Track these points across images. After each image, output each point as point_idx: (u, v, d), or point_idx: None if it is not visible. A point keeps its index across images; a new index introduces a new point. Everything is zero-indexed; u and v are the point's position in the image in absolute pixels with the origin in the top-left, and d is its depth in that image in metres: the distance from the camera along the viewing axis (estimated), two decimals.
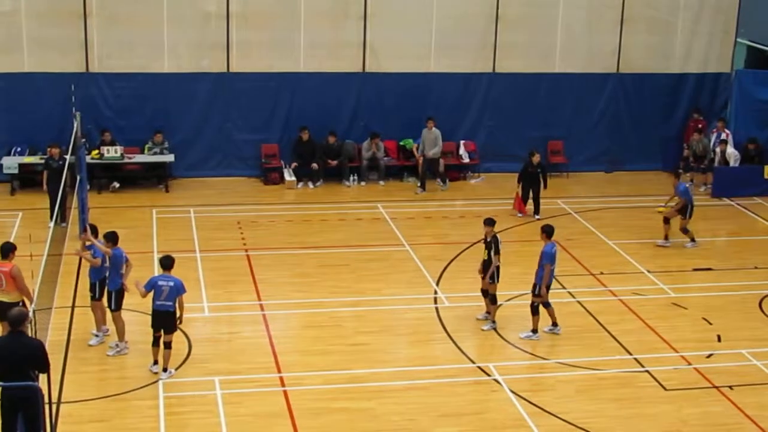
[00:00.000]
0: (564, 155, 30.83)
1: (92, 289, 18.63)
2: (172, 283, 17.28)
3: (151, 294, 17.38)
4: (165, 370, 17.51)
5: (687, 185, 25.06)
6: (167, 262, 17.55)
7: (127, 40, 28.54)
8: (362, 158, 29.31)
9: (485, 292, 19.92)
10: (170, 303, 17.26)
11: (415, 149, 29.16)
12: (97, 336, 18.64)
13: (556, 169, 30.21)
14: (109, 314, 18.41)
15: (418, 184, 28.75)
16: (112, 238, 18.21)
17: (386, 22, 29.43)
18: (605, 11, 30.60)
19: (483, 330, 19.61)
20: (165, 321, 17.37)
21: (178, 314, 17.40)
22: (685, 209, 24.32)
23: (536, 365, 18.53)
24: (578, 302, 21.09)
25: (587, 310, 20.71)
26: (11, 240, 23.33)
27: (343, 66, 29.52)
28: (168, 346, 17.44)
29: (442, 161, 29.01)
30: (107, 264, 18.25)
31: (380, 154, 29.29)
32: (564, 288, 21.62)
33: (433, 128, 28.55)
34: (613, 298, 21.44)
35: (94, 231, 18.72)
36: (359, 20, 29.29)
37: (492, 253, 19.47)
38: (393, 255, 23.73)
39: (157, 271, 20.11)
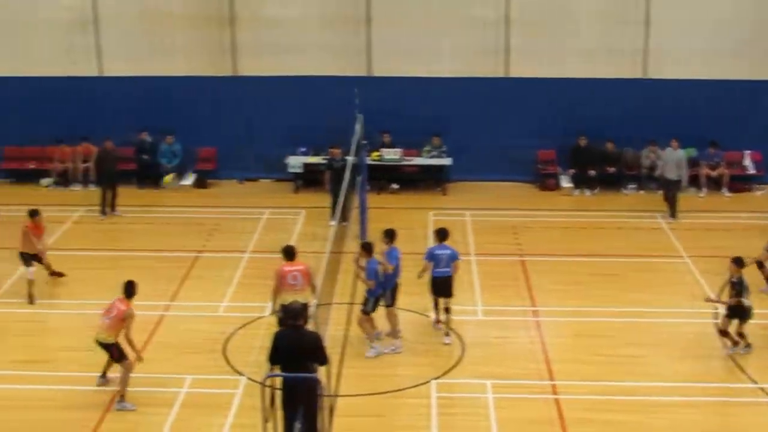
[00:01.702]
0: None
1: (365, 303, 18.61)
2: (448, 251, 19.06)
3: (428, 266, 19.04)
4: (447, 334, 19.05)
5: None
6: (443, 233, 19.30)
7: (408, 44, 29.09)
8: (641, 166, 28.73)
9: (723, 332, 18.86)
10: (448, 269, 18.97)
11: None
12: (373, 348, 18.56)
13: None
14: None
15: (667, 210, 26.58)
16: (368, 249, 18.51)
17: (669, 27, 28.75)
18: None
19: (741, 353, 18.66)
20: (444, 286, 19.03)
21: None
22: None
23: None
24: None
25: None
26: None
27: (620, 72, 29.04)
28: (448, 311, 19.00)
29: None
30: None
31: (661, 162, 28.59)
32: None
33: (678, 149, 26.77)
34: None
35: (368, 249, 18.55)
36: (639, 25, 28.75)
37: (733, 296, 18.51)
38: (670, 266, 23.17)
39: None
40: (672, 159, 26.50)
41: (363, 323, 18.56)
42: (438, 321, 19.66)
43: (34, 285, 20.89)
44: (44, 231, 21.70)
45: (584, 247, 24.28)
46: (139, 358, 16.86)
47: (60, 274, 21.80)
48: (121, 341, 16.65)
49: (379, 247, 18.63)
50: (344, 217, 24.34)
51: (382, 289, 18.50)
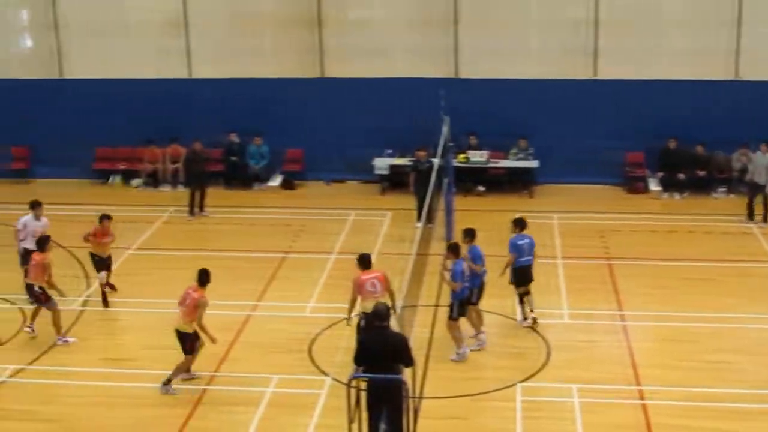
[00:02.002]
0: None
1: (451, 308, 18.35)
2: (528, 240, 19.71)
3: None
4: (525, 318, 19.85)
5: None
6: (522, 223, 19.93)
7: (494, 46, 29.07)
8: (732, 169, 28.30)
9: None
10: (531, 257, 19.65)
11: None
12: (458, 353, 18.36)
13: None
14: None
15: (746, 217, 26.11)
16: (455, 250, 18.40)
17: (759, 27, 28.35)
18: None
19: None
20: (529, 274, 19.69)
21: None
22: None
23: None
24: None
25: None
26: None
27: (711, 73, 28.64)
28: (528, 293, 19.81)
29: None
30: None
31: (751, 166, 28.11)
32: None
33: (767, 154, 26.12)
34: None
35: (456, 250, 18.54)
36: (731, 26, 28.34)
37: None
38: (760, 271, 22.79)
39: None
40: (762, 163, 25.97)
41: (452, 329, 18.35)
42: (525, 317, 19.84)
43: (106, 288, 21.11)
44: (110, 236, 21.27)
45: (672, 251, 23.98)
46: (213, 340, 17.17)
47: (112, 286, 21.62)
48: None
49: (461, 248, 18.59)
50: (430, 219, 24.35)
51: (469, 290, 18.41)
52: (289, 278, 22.38)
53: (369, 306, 16.69)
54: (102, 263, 21.09)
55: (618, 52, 28.86)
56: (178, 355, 17.39)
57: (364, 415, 14.15)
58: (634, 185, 28.84)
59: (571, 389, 17.20)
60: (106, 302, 20.98)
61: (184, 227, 26.24)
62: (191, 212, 26.63)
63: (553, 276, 22.33)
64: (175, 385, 17.17)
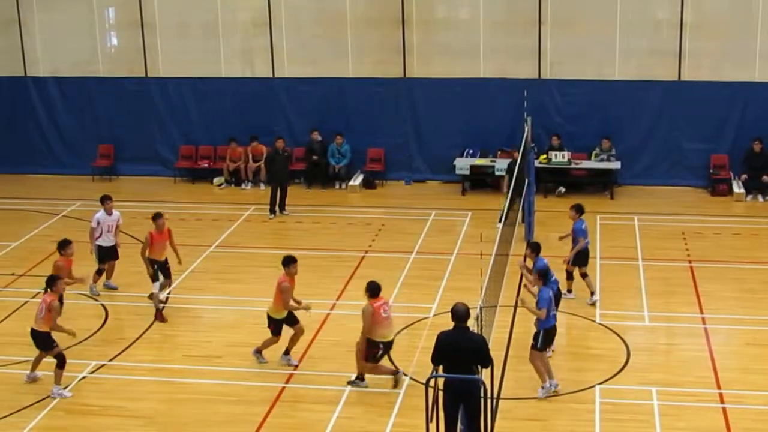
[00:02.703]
0: None
1: (536, 337, 16.97)
2: (586, 224, 20.62)
3: None
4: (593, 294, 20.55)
5: None
6: (582, 208, 20.65)
7: (579, 47, 28.97)
8: None
9: None
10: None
11: None
12: (543, 388, 17.05)
13: None
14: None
15: None
16: (536, 248, 18.51)
17: None
18: None
19: None
20: (588, 256, 20.60)
21: None
22: None
23: None
24: None
25: None
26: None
27: None
28: (586, 275, 20.61)
29: None
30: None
31: None
32: None
33: None
34: None
35: (537, 249, 18.51)
36: None
37: None
38: None
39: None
40: None
41: (535, 360, 17.01)
42: (593, 293, 20.62)
43: (157, 298, 20.47)
44: (168, 238, 20.56)
45: (756, 254, 23.65)
46: (307, 308, 18.01)
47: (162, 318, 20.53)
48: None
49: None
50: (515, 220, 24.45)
51: (555, 318, 17.12)
52: (369, 277, 22.11)
53: (386, 332, 16.81)
54: (161, 269, 20.48)
55: (703, 53, 28.56)
56: (264, 353, 18.03)
57: (442, 414, 14.19)
58: (718, 187, 28.50)
59: (650, 392, 17.06)
60: (160, 317, 20.27)
61: (264, 226, 26.48)
62: (272, 211, 26.85)
63: (634, 278, 22.17)
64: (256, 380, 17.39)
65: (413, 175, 30.19)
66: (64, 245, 19.51)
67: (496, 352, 15.84)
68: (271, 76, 30.42)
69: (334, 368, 17.98)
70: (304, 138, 29.91)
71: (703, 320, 20.05)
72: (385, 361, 17.37)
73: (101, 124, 31.26)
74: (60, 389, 17.20)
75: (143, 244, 20.35)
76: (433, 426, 13.93)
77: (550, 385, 17.02)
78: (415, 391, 16.53)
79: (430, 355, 14.35)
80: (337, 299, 21.22)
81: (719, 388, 17.29)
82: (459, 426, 14.30)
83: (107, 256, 21.49)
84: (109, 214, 21.41)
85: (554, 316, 16.95)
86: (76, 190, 29.53)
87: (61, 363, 17.15)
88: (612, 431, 15.99)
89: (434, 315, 20.13)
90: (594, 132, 28.69)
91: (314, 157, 29.80)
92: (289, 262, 17.84)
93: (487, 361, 14.30)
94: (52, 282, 17.33)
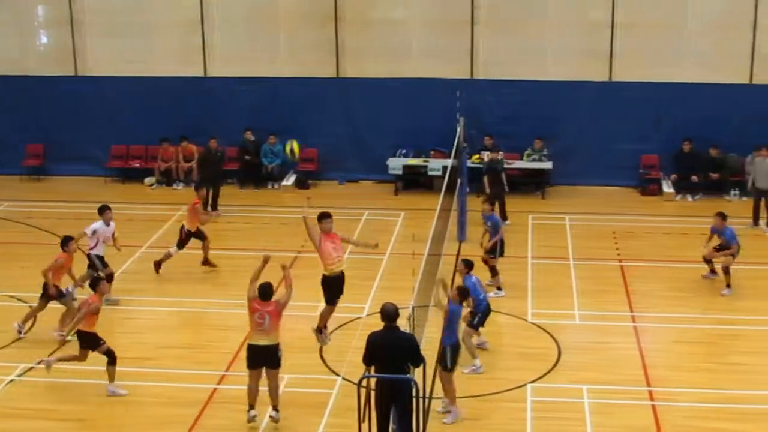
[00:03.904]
0: None
1: (443, 357, 16.38)
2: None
3: None
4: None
5: None
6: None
7: (511, 47, 29.13)
8: (745, 172, 28.22)
9: None
10: None
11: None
12: (452, 412, 16.46)
13: None
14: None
15: (752, 222, 26.03)
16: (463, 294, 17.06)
17: None
18: None
19: None
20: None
21: None
22: None
23: None
24: None
25: None
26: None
27: (729, 77, 28.61)
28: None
29: None
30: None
31: (753, 172, 27.91)
32: None
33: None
34: None
35: (470, 266, 18.26)
36: (748, 30, 28.30)
37: None
38: None
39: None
40: (762, 168, 25.86)
41: (445, 383, 16.44)
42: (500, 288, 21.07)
43: (169, 259, 22.15)
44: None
45: (685, 253, 23.92)
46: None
47: (212, 264, 22.63)
48: None
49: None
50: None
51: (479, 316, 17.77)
52: (302, 277, 22.17)
53: (255, 339, 16.09)
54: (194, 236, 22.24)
55: (634, 54, 28.89)
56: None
57: (374, 414, 14.19)
58: (648, 187, 28.84)
59: (581, 390, 17.20)
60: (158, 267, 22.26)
61: None
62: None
63: (565, 277, 22.36)
64: None
65: (346, 175, 30.18)
66: (66, 242, 19.36)
67: (428, 351, 15.87)
68: (203, 75, 30.24)
69: None
70: (237, 138, 29.76)
71: (633, 319, 20.28)
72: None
73: (31, 123, 30.84)
74: (114, 387, 17.18)
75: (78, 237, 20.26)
76: (365, 426, 13.93)
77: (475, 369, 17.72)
78: (348, 392, 16.50)
79: (362, 355, 14.35)
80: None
81: (649, 385, 17.49)
82: (391, 426, 14.31)
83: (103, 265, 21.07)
84: (107, 224, 21.12)
85: (455, 331, 16.51)
86: (5, 190, 29.14)
87: (112, 360, 17.16)
88: (544, 429, 16.10)
89: (367, 315, 20.14)
90: (526, 132, 28.89)
91: (247, 157, 29.68)
92: (322, 217, 18.33)
93: (419, 360, 14.31)
94: (95, 284, 17.51)
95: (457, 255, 22.12)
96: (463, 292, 16.81)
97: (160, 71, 30.19)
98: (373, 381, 14.25)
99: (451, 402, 16.42)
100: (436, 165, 28.37)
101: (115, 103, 30.41)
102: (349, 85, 29.76)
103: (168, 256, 22.27)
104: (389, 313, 14.36)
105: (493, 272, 21.22)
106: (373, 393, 14.21)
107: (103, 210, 21.15)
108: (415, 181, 29.08)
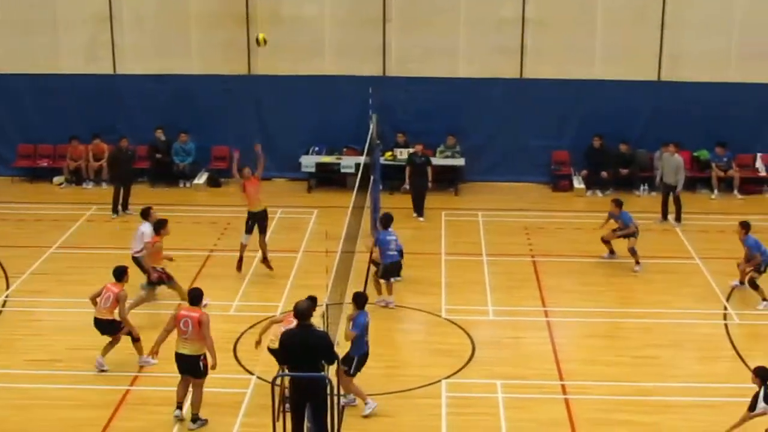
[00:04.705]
0: None
1: (347, 362, 16.28)
2: (395, 237, 20.56)
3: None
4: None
5: None
6: (388, 219, 20.71)
7: (423, 45, 29.17)
8: (654, 168, 28.64)
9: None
10: (397, 253, 20.49)
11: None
12: (369, 403, 16.58)
13: None
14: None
15: (660, 216, 26.39)
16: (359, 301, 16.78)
17: (685, 29, 28.75)
18: None
19: None
20: (398, 268, 20.75)
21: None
22: None
23: None
24: None
25: None
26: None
27: (638, 74, 29.00)
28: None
29: (680, 197, 26.22)
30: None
31: (661, 167, 28.32)
32: None
33: (675, 155, 26.14)
34: None
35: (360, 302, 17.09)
36: (657, 27, 28.73)
37: None
38: (682, 268, 23.11)
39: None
40: (671, 164, 26.17)
41: (348, 386, 16.40)
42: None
43: (245, 250, 22.07)
44: (258, 185, 22.57)
45: (596, 248, 24.12)
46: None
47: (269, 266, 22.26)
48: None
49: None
50: (421, 213, 26.02)
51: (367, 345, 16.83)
52: (215, 276, 22.24)
53: (180, 346, 15.99)
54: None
55: (544, 51, 29.11)
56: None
57: (289, 413, 14.13)
58: (559, 183, 29.11)
59: (495, 385, 17.33)
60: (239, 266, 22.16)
61: (107, 225, 25.93)
62: (115, 210, 26.33)
63: (479, 273, 22.47)
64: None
65: None
66: (162, 224, 20.19)
67: (342, 350, 15.86)
68: (113, 72, 29.84)
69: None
70: (149, 136, 29.40)
71: (546, 313, 20.46)
72: None
73: None
74: (145, 357, 17.74)
75: None
76: (279, 425, 13.87)
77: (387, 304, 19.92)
78: (262, 390, 16.40)
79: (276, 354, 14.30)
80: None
81: (562, 379, 17.68)
82: (306, 424, 14.26)
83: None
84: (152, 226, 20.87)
85: (366, 342, 16.41)
86: None
87: (135, 339, 17.86)
88: (458, 425, 16.18)
89: (281, 313, 20.01)
90: (439, 129, 28.96)
91: (158, 156, 29.35)
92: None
93: (332, 358, 14.29)
94: (120, 275, 18.00)
95: (371, 252, 22.09)
96: (358, 300, 16.56)
97: (67, 69, 29.68)
98: (287, 379, 14.18)
99: (363, 399, 16.46)
100: (349, 162, 28.32)
101: (22, 101, 29.82)
102: (261, 83, 29.58)
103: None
104: (302, 311, 14.31)
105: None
106: (288, 391, 14.16)
107: (149, 212, 21.09)
108: (328, 178, 29.02)
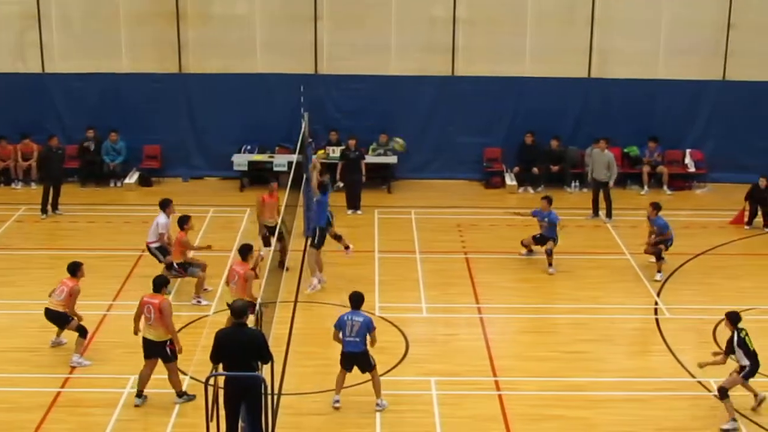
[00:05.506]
0: None
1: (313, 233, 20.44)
2: (362, 319, 16.34)
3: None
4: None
5: None
6: (358, 299, 16.65)
7: (355, 42, 29.17)
8: (585, 164, 28.90)
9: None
10: (359, 339, 16.31)
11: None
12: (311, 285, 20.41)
13: None
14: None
15: (591, 213, 26.60)
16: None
17: (614, 27, 29.08)
18: None
19: None
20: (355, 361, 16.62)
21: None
22: None
23: (764, 383, 17.51)
24: None
25: None
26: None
27: (568, 71, 29.26)
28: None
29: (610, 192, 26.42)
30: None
31: (591, 164, 28.61)
32: None
33: (606, 151, 26.37)
34: None
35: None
36: (586, 26, 29.01)
37: None
38: (613, 263, 23.36)
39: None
40: (600, 160, 26.37)
41: (313, 257, 20.41)
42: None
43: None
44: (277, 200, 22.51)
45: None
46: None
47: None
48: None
49: None
50: (358, 207, 26.48)
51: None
52: (147, 276, 21.86)
53: (145, 331, 16.48)
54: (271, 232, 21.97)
55: (475, 49, 29.25)
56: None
57: (223, 412, 14.07)
58: (491, 180, 29.27)
59: (429, 382, 17.39)
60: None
61: (37, 226, 25.59)
62: (44, 210, 25.99)
63: (412, 270, 22.53)
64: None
65: (191, 171, 29.82)
66: (185, 220, 20.54)
67: (277, 348, 15.85)
68: (41, 71, 29.46)
69: (113, 370, 17.59)
70: (78, 135, 29.07)
71: (479, 310, 20.57)
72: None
73: None
74: (80, 358, 17.71)
75: None
76: (213, 425, 13.79)
77: (319, 281, 20.37)
78: (196, 390, 16.33)
79: (210, 353, 14.22)
80: (114, 299, 20.76)
81: (495, 375, 17.78)
82: (240, 423, 14.21)
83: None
84: (168, 217, 21.19)
85: (330, 214, 20.32)
86: None
87: (83, 333, 17.86)
88: (392, 422, 16.20)
89: (214, 313, 19.96)
90: (372, 127, 28.98)
91: (88, 155, 29.03)
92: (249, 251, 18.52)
93: (267, 357, 14.26)
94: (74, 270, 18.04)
95: (304, 250, 22.07)
96: (325, 187, 20.72)
97: None
98: (221, 379, 14.13)
99: (319, 270, 19.82)
100: (281, 161, 28.24)
101: None
102: (191, 81, 29.38)
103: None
104: (237, 310, 14.29)
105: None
106: (221, 391, 14.10)
107: (168, 204, 21.48)
108: (260, 177, 28.87)
